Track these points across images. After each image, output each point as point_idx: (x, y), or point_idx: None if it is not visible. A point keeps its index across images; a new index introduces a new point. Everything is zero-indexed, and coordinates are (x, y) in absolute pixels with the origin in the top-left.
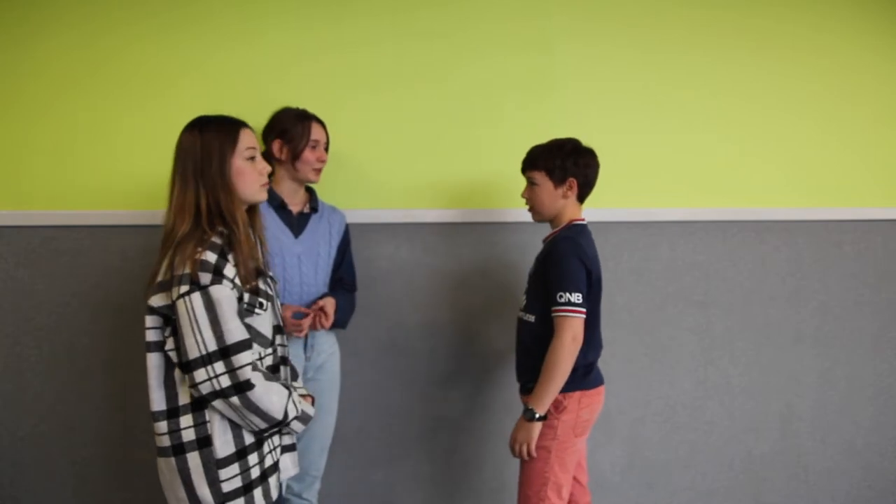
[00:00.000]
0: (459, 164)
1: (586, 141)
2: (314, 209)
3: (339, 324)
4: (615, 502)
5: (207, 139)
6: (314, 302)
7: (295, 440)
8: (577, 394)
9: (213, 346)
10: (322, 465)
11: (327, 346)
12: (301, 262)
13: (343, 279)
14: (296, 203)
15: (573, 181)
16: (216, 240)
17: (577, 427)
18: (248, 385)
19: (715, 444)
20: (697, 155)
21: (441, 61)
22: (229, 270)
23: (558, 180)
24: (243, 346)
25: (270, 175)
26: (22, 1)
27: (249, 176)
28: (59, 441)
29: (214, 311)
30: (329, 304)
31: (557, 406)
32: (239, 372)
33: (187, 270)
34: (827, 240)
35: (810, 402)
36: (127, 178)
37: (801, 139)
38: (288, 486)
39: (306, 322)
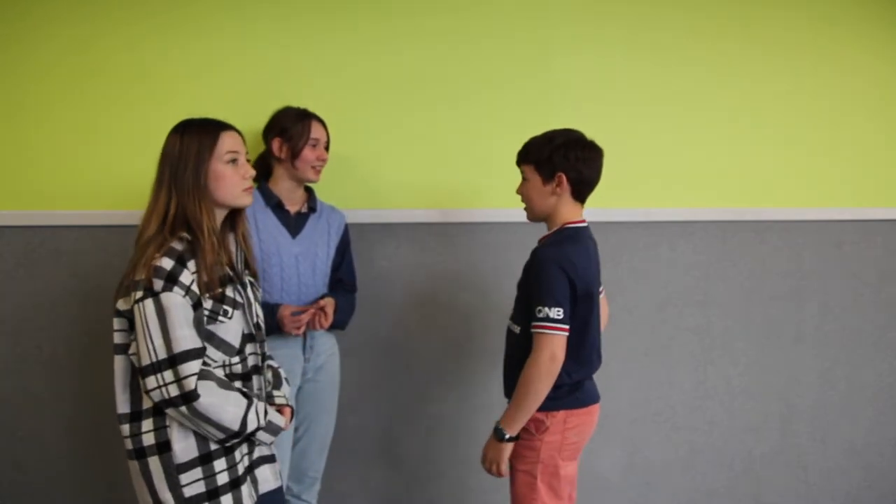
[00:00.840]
0: (459, 164)
1: None
2: (312, 209)
3: (339, 325)
4: (615, 502)
5: (186, 143)
6: (314, 302)
7: (273, 451)
8: (562, 413)
9: (162, 353)
10: (322, 466)
11: (327, 347)
12: (299, 263)
13: (343, 280)
14: (294, 203)
15: (562, 176)
16: (176, 245)
17: (564, 450)
18: (193, 395)
19: (715, 444)
20: (697, 155)
21: (441, 62)
22: (186, 277)
23: (546, 175)
24: (191, 355)
25: (269, 175)
26: (22, 1)
27: (230, 180)
28: (58, 441)
29: (165, 318)
30: (329, 304)
31: (539, 426)
32: (184, 381)
33: (143, 276)
34: (827, 240)
35: (810, 402)
36: (127, 178)
37: (801, 139)
38: (288, 487)
39: (305, 317)
